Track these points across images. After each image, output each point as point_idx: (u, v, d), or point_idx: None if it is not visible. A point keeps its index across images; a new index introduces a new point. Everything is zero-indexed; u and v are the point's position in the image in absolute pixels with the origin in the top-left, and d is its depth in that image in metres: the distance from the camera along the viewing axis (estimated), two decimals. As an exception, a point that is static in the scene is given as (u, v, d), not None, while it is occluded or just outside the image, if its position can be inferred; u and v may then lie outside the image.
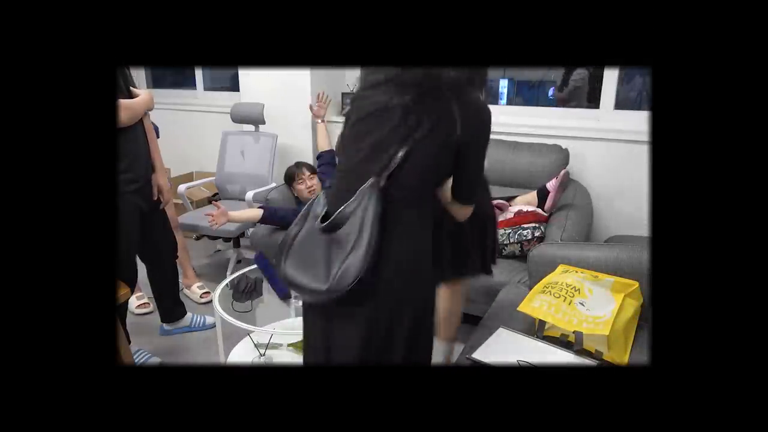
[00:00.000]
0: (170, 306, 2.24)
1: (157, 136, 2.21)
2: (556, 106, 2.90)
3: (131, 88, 1.75)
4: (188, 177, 3.52)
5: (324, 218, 1.01)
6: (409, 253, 1.01)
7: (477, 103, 1.01)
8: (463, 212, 1.12)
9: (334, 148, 2.84)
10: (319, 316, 1.05)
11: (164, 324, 2.27)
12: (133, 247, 1.85)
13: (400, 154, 0.95)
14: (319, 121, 2.83)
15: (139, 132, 1.79)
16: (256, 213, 2.37)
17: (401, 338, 1.02)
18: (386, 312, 1.00)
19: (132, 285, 1.85)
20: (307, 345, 1.13)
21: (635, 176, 2.30)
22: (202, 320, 2.35)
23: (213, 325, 2.32)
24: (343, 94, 2.99)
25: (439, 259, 1.18)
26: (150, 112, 1.89)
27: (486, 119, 1.01)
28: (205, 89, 3.64)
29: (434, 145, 0.97)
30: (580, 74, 2.86)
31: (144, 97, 1.78)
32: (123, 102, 1.68)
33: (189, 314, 2.32)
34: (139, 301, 2.47)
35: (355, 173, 0.99)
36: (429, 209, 1.05)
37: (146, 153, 1.84)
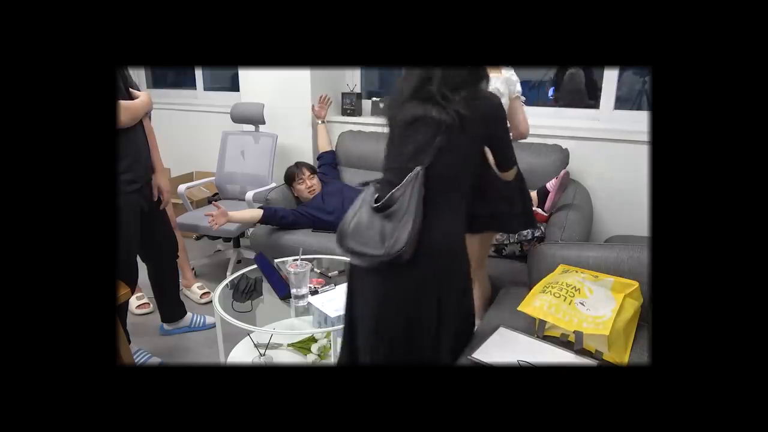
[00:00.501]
0: (170, 306, 2.24)
1: None
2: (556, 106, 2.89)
3: (130, 89, 1.75)
4: (188, 177, 3.52)
5: (377, 202, 1.27)
6: (445, 232, 1.26)
7: (486, 98, 1.26)
8: (510, 175, 1.44)
9: (335, 149, 2.85)
10: (373, 276, 1.30)
11: (164, 324, 2.27)
12: (134, 248, 1.85)
13: (436, 151, 1.21)
14: (320, 122, 2.83)
15: (139, 133, 1.79)
16: (256, 213, 2.37)
17: (445, 303, 1.27)
18: (430, 277, 1.25)
19: (132, 285, 1.85)
20: (355, 299, 1.38)
21: (635, 176, 2.30)
22: (202, 320, 2.35)
23: (213, 325, 2.32)
24: (343, 94, 2.99)
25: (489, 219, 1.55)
26: (150, 112, 1.89)
27: (496, 106, 1.27)
28: (205, 89, 3.64)
29: (463, 144, 1.23)
30: (576, 74, 2.85)
31: (143, 99, 1.78)
32: (122, 103, 1.68)
33: (189, 314, 2.32)
34: (139, 301, 2.48)
35: (402, 170, 1.23)
36: (462, 198, 1.30)
37: (147, 153, 1.84)
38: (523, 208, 1.73)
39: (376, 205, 1.25)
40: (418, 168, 1.21)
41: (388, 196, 1.23)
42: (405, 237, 1.18)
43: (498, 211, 1.69)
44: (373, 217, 1.26)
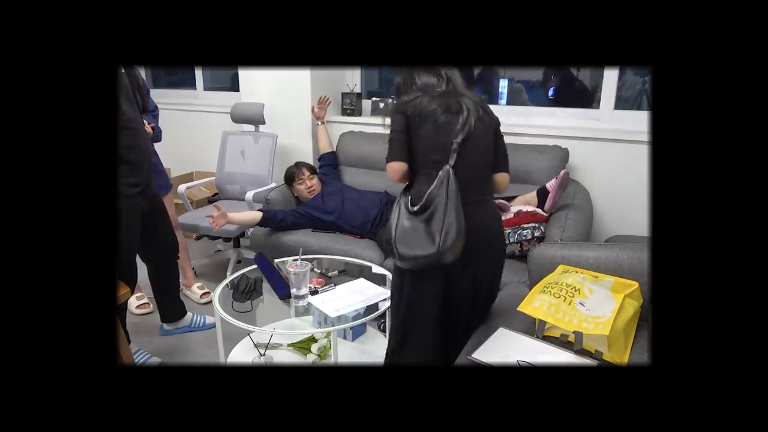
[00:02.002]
0: (170, 306, 2.24)
1: (160, 139, 2.21)
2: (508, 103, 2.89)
3: (139, 100, 1.76)
4: (188, 177, 3.52)
5: (413, 206, 1.33)
6: (482, 216, 1.38)
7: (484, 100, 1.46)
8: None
9: (335, 149, 2.85)
10: (428, 278, 1.39)
11: (164, 324, 2.27)
12: (134, 248, 1.85)
13: (459, 141, 1.32)
14: (319, 123, 2.82)
15: (141, 137, 1.79)
16: (256, 215, 2.37)
17: (493, 281, 1.49)
18: (485, 263, 1.42)
19: (132, 285, 1.85)
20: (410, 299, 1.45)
21: (635, 176, 2.30)
22: (202, 320, 2.35)
23: (213, 325, 2.32)
24: (343, 94, 2.99)
25: None
26: (152, 113, 1.89)
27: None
28: (205, 89, 3.64)
29: (481, 134, 1.37)
30: (516, 87, 2.87)
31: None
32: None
33: (189, 314, 2.32)
34: (139, 301, 2.48)
35: (431, 167, 1.33)
36: (489, 185, 1.44)
37: (148, 157, 1.84)
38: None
39: (414, 209, 1.32)
40: (447, 166, 1.29)
41: (425, 197, 1.30)
42: (453, 232, 1.26)
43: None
44: (415, 221, 1.32)
